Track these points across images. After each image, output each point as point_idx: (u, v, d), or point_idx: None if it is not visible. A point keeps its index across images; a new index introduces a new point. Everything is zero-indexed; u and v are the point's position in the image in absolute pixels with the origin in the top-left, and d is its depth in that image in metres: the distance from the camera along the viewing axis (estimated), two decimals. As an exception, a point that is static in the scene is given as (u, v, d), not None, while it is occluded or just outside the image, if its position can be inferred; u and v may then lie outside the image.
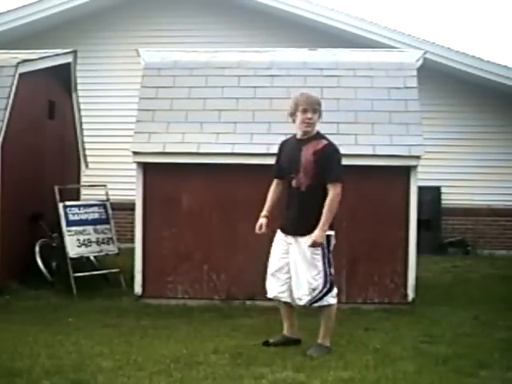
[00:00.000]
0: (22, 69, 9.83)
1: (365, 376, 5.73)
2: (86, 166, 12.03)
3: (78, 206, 10.13)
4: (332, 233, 6.52)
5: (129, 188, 10.45)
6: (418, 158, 8.77)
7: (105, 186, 10.63)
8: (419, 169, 8.89)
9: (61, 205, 9.90)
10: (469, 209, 14.24)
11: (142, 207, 9.01)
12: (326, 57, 9.89)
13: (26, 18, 14.27)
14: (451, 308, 8.74)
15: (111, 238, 10.24)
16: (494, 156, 14.15)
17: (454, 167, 14.15)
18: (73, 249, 9.82)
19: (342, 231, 8.76)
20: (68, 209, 9.95)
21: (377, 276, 8.83)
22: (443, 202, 14.30)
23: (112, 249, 10.23)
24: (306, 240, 6.40)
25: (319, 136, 6.60)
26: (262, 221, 6.80)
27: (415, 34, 14.07)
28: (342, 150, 8.91)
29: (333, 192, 6.39)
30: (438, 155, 13.43)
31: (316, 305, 6.48)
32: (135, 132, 9.16)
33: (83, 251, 9.96)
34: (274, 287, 6.65)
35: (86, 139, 12.03)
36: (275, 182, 6.84)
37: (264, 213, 6.83)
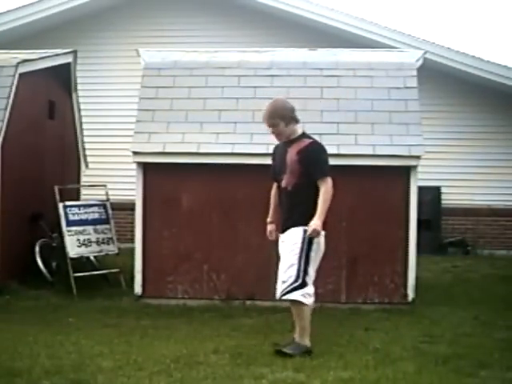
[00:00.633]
0: (22, 69, 9.83)
1: (365, 376, 5.73)
2: (86, 166, 12.02)
3: (78, 206, 10.13)
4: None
5: (129, 188, 10.45)
6: (418, 158, 8.78)
7: (105, 185, 10.63)
8: (419, 169, 8.89)
9: (61, 205, 9.90)
10: (469, 209, 14.24)
11: (142, 207, 9.01)
12: (326, 57, 9.89)
13: (25, 17, 14.28)
14: (451, 308, 8.74)
15: (111, 238, 10.24)
16: (494, 156, 14.15)
17: (454, 167, 14.15)
18: (73, 249, 9.82)
19: (342, 231, 8.81)
20: (68, 209, 9.95)
21: (377, 276, 8.82)
22: (443, 202, 14.30)
23: (112, 249, 10.23)
24: (287, 234, 6.43)
25: (303, 136, 6.64)
26: (270, 227, 6.90)
27: (415, 34, 14.11)
28: (342, 150, 8.95)
29: (325, 186, 6.40)
30: (437, 155, 13.43)
31: (285, 297, 6.43)
32: (135, 132, 9.16)
33: (83, 251, 9.96)
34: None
35: (86, 139, 12.03)
36: (274, 185, 6.86)
37: (269, 219, 6.92)
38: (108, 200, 10.40)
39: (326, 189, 6.40)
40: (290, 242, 6.42)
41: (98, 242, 10.10)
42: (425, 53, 10.21)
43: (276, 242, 6.74)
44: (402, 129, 8.99)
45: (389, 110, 9.16)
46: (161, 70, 9.68)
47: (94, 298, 9.23)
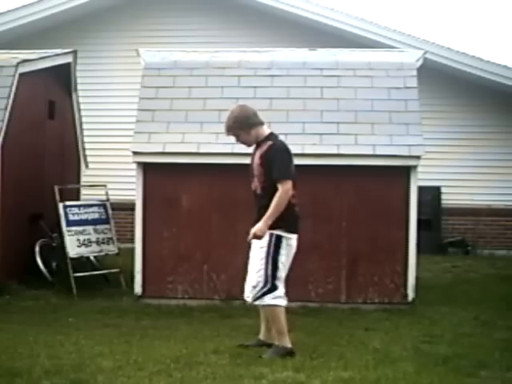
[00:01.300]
0: (22, 69, 9.83)
1: (365, 376, 5.73)
2: (86, 166, 12.02)
3: (78, 206, 10.13)
4: (286, 235, 6.36)
5: (129, 188, 10.45)
6: (418, 158, 8.78)
7: (105, 185, 10.63)
8: (419, 169, 8.89)
9: (61, 205, 9.89)
10: (469, 209, 14.24)
11: (141, 207, 9.01)
12: (326, 57, 9.89)
13: (25, 17, 14.28)
14: (451, 308, 8.74)
15: (111, 238, 10.23)
16: (494, 156, 14.15)
17: (453, 167, 14.15)
18: (73, 249, 9.82)
19: (342, 231, 8.81)
20: (68, 209, 9.95)
21: (377, 276, 8.82)
22: (443, 202, 14.30)
23: (112, 249, 10.23)
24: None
25: (266, 138, 6.51)
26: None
27: (415, 34, 14.11)
28: (342, 150, 8.94)
29: (281, 189, 6.27)
30: (438, 155, 13.43)
31: (256, 303, 6.44)
32: (135, 132, 9.16)
33: (83, 251, 9.96)
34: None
35: (86, 139, 12.03)
36: None
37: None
38: (108, 200, 10.40)
39: (280, 193, 6.26)
40: (257, 246, 6.36)
41: (97, 242, 10.09)
42: (425, 53, 10.22)
43: None
44: (402, 129, 8.99)
45: (389, 109, 9.16)
46: (161, 70, 9.68)
47: (94, 298, 9.23)
